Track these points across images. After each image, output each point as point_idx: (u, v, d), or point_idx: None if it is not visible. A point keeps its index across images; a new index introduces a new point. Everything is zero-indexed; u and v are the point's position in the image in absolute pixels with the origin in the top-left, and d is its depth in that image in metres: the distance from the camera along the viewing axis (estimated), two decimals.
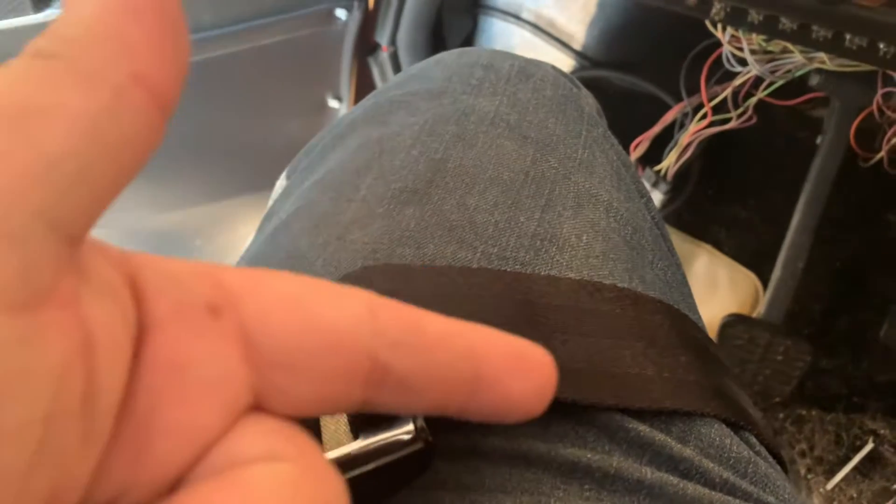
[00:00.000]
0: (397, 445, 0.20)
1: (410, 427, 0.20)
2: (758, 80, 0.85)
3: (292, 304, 0.14)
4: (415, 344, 0.15)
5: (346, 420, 0.21)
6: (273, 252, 0.33)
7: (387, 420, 0.20)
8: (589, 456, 0.24)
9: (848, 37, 0.64)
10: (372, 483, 0.20)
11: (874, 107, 0.80)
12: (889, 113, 0.79)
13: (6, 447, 0.10)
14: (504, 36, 1.05)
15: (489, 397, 0.16)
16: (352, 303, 0.15)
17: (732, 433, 0.26)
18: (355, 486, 0.19)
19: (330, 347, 0.14)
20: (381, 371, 0.15)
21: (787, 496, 0.26)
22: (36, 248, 0.11)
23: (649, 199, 0.37)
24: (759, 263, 0.96)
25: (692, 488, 0.24)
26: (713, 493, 0.24)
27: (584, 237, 0.30)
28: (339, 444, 0.20)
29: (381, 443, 0.20)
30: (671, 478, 0.24)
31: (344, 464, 0.20)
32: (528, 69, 0.38)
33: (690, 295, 0.39)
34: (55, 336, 0.11)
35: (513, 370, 0.16)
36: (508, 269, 0.28)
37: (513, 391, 0.16)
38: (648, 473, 0.24)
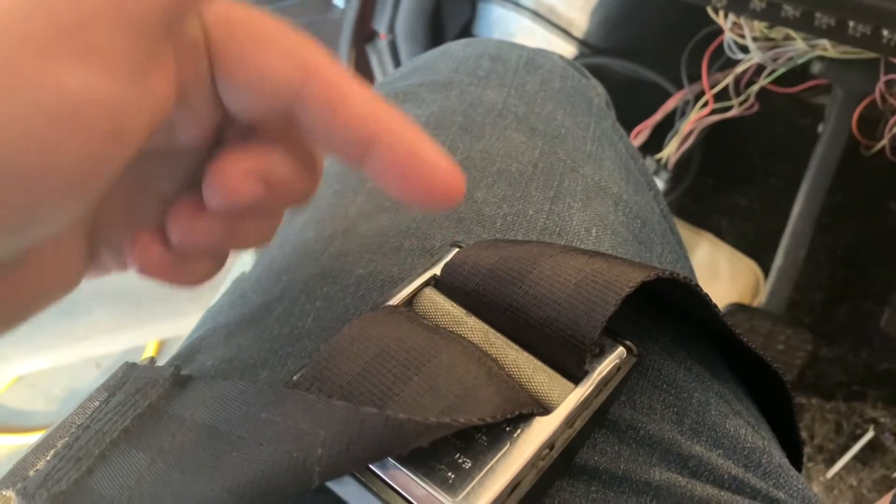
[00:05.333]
0: (616, 367, 0.22)
1: (621, 348, 0.22)
2: (759, 68, 0.85)
3: (251, 56, 0.19)
4: (324, 115, 0.20)
5: (552, 371, 0.22)
6: (280, 245, 0.33)
7: (598, 353, 0.22)
8: (597, 458, 0.23)
9: (851, 24, 0.63)
10: (601, 412, 0.22)
11: (877, 94, 0.79)
12: (892, 101, 0.79)
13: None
14: (503, 23, 1.04)
15: (375, 174, 0.20)
16: (289, 64, 0.19)
17: (748, 424, 0.26)
18: (593, 420, 0.22)
19: (263, 95, 0.20)
20: (294, 117, 0.20)
21: (799, 486, 0.25)
22: (157, 45, 0.17)
23: (658, 192, 0.36)
24: (760, 252, 0.96)
25: (700, 488, 0.23)
26: (721, 492, 0.24)
27: (594, 231, 0.30)
28: (564, 393, 0.21)
29: (605, 371, 0.22)
30: (679, 478, 0.23)
31: (586, 402, 0.21)
32: (536, 60, 0.38)
33: None
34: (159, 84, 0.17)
35: (400, 171, 0.20)
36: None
37: (394, 186, 0.20)
38: (656, 474, 0.23)
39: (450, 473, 0.19)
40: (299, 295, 0.28)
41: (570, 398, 0.21)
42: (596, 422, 0.22)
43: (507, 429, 0.20)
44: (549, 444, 0.20)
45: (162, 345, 1.03)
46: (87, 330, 0.96)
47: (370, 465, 0.19)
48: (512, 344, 0.22)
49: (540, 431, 0.20)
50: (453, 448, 0.19)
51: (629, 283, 0.21)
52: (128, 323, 0.98)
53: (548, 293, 0.22)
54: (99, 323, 0.96)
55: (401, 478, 0.19)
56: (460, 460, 0.19)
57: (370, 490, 0.19)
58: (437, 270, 0.25)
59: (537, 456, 0.20)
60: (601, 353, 0.22)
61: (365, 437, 0.17)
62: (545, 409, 0.21)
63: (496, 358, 0.22)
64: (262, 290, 0.30)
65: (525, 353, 0.22)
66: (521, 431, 0.20)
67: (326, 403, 0.18)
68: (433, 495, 0.19)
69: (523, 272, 0.22)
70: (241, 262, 0.32)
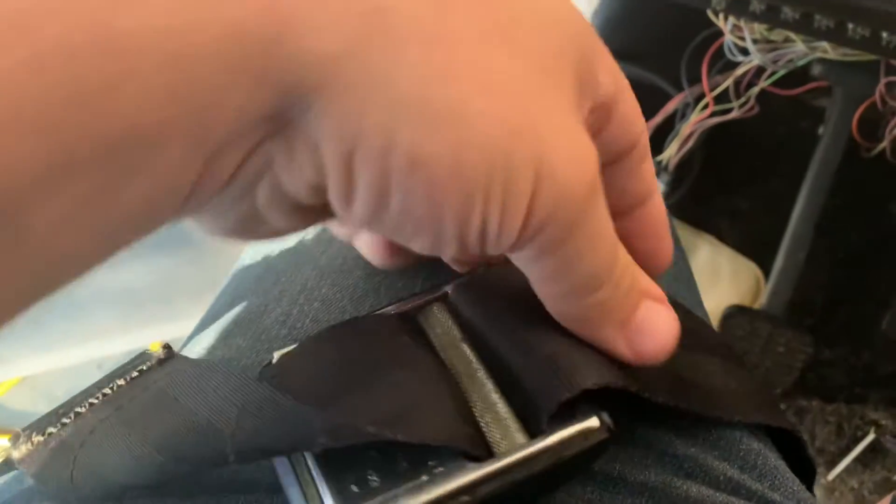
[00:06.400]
0: (580, 438, 0.20)
1: (594, 420, 0.20)
2: (759, 70, 0.85)
3: None
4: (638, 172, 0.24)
5: (515, 420, 0.21)
6: (278, 246, 0.33)
7: (568, 415, 0.20)
8: None
9: (851, 26, 0.63)
10: (547, 476, 0.20)
11: (877, 96, 0.79)
12: (892, 103, 0.79)
13: None
14: None
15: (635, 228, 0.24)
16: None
17: (743, 426, 0.26)
18: (532, 482, 0.20)
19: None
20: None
21: (794, 488, 0.26)
22: None
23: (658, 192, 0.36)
24: (760, 254, 0.96)
25: (696, 489, 0.24)
26: (717, 493, 0.24)
27: None
28: (513, 446, 0.20)
29: (566, 436, 0.20)
30: (675, 479, 0.24)
31: (526, 462, 0.20)
32: None
33: (696, 288, 0.39)
34: None
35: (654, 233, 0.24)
36: None
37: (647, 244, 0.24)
38: (652, 475, 0.24)
39: (353, 486, 0.19)
40: (298, 296, 0.28)
41: (513, 453, 0.20)
42: (544, 483, 0.21)
43: (432, 463, 0.19)
44: (469, 491, 0.19)
45: None
46: (88, 331, 0.96)
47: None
48: (489, 382, 0.22)
49: (463, 475, 0.19)
50: (371, 463, 0.19)
51: (592, 380, 0.20)
52: (130, 324, 0.98)
53: (536, 343, 0.21)
54: (101, 324, 0.96)
55: (311, 473, 0.19)
56: (371, 477, 0.19)
57: (294, 472, 0.20)
58: (448, 289, 0.24)
59: (450, 498, 0.19)
60: (572, 418, 0.20)
61: (278, 422, 0.18)
62: (486, 455, 0.20)
63: (466, 390, 0.21)
64: (260, 292, 0.30)
65: (497, 395, 0.21)
66: (445, 469, 0.19)
67: (256, 385, 0.19)
68: (324, 501, 0.19)
69: (521, 314, 0.22)
70: (240, 263, 0.33)
